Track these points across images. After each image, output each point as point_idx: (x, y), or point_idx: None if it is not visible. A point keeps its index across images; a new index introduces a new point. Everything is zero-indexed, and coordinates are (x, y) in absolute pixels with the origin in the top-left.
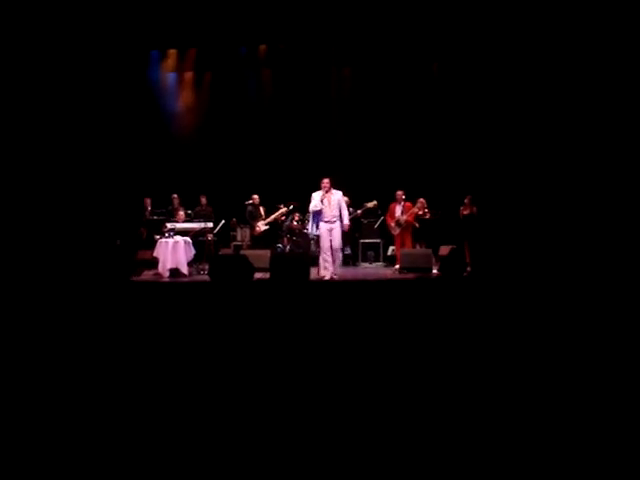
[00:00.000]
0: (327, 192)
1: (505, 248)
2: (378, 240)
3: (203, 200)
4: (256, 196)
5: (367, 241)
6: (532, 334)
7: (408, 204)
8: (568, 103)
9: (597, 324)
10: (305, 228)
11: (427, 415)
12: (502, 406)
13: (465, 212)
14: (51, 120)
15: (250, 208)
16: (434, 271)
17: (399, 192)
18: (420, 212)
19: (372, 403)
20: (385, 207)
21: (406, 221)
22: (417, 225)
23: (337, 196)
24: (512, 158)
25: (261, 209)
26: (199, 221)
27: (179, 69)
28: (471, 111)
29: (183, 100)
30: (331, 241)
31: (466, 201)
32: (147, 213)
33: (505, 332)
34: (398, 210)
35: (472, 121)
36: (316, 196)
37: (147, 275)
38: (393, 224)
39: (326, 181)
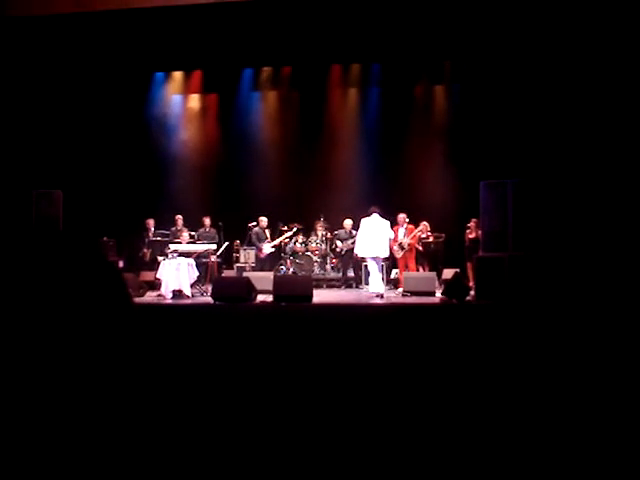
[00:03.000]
0: None
1: (513, 270)
2: (382, 264)
3: (207, 221)
4: (264, 218)
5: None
6: (539, 358)
7: (411, 227)
8: (578, 127)
9: (609, 347)
10: (308, 250)
11: (430, 436)
12: (505, 431)
13: (471, 236)
14: (53, 140)
15: (257, 230)
16: (437, 294)
17: (401, 215)
18: (423, 235)
19: (373, 427)
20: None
21: (409, 244)
22: (420, 248)
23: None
24: (517, 178)
25: (267, 231)
26: (202, 243)
27: (185, 91)
28: (474, 134)
29: (189, 121)
30: None
31: (471, 225)
32: (150, 234)
33: (511, 358)
34: (401, 233)
35: (475, 144)
36: None
37: (150, 297)
38: (396, 247)
39: None
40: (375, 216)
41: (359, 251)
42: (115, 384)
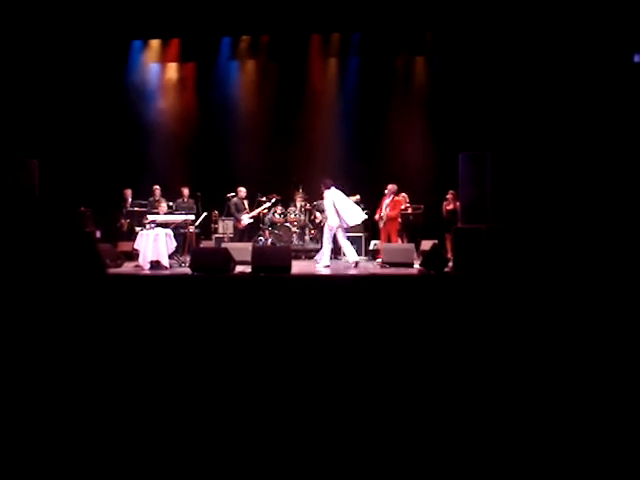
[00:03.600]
0: None
1: (491, 243)
2: (361, 234)
3: (185, 192)
4: (242, 189)
5: (349, 235)
6: (516, 330)
7: (398, 199)
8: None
9: (592, 324)
10: (287, 221)
11: (407, 408)
12: (489, 408)
13: (448, 207)
14: (29, 108)
15: (235, 200)
16: (416, 266)
17: (392, 186)
18: (402, 207)
19: (351, 398)
20: (370, 201)
21: (387, 215)
22: (399, 220)
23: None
24: (499, 150)
25: (245, 202)
26: (180, 213)
27: (162, 59)
28: (454, 105)
29: (166, 90)
30: None
31: (449, 196)
32: (127, 204)
33: (489, 328)
34: (385, 204)
35: (455, 116)
36: None
37: (127, 267)
38: (377, 217)
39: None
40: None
41: (352, 220)
42: (90, 354)
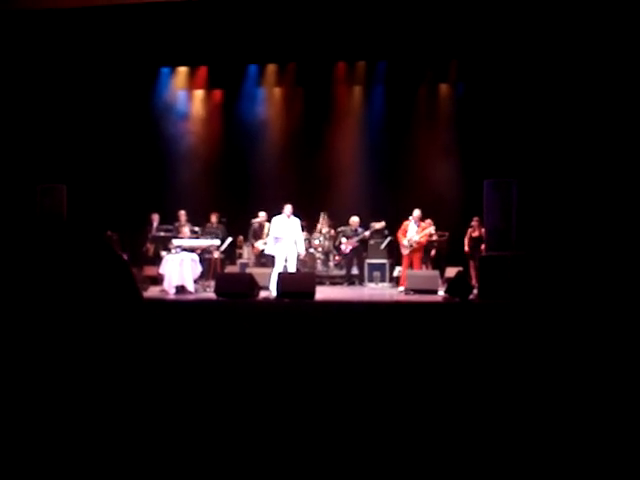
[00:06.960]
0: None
1: (517, 269)
2: (385, 261)
3: (213, 218)
4: (263, 214)
5: (374, 261)
6: (541, 358)
7: (424, 225)
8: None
9: (611, 347)
10: (311, 247)
11: (430, 434)
12: (505, 431)
13: (474, 234)
14: (57, 134)
15: (255, 226)
16: (440, 293)
17: (417, 211)
18: (426, 231)
19: (374, 424)
20: (393, 227)
21: (418, 242)
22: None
23: (296, 222)
24: (524, 177)
25: (265, 228)
26: (206, 238)
27: (190, 86)
28: (479, 132)
29: (194, 117)
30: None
31: (474, 223)
32: (153, 229)
33: (514, 356)
34: (412, 229)
35: (480, 143)
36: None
37: (153, 291)
38: (405, 242)
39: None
40: None
41: None
42: (122, 379)
